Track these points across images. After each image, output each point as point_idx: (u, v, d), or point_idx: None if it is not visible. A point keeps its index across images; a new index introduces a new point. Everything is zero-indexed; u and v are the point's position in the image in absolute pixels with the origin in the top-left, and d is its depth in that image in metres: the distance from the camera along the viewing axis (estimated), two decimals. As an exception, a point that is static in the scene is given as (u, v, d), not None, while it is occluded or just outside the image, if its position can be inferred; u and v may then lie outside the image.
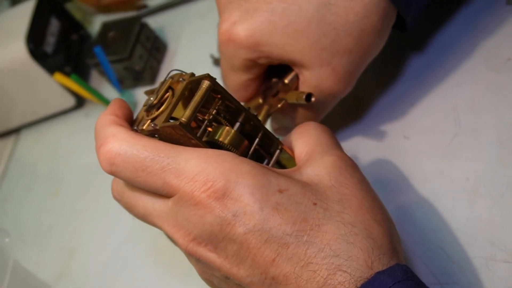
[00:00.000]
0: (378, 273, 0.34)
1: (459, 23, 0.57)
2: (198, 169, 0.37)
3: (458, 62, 0.55)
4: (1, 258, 0.46)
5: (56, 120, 0.95)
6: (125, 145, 0.40)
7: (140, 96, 0.84)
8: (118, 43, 0.79)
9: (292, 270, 0.35)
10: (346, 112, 0.59)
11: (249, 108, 0.43)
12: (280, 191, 0.37)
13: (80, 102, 0.91)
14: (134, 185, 0.42)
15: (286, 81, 0.50)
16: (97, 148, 0.42)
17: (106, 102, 0.82)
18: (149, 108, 0.43)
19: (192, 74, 0.42)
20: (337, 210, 0.37)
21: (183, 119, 0.39)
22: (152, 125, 0.41)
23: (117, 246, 0.68)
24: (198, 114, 0.43)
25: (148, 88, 0.82)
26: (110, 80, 0.81)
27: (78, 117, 0.92)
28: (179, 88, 0.42)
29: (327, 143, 0.42)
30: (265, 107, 0.52)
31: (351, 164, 0.41)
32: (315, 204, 0.37)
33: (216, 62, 0.76)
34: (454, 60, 0.55)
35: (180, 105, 0.42)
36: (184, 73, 0.42)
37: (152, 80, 0.83)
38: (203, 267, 0.40)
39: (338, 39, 0.47)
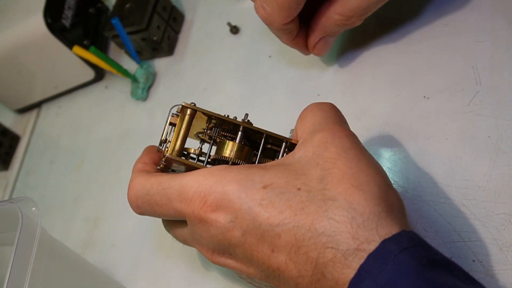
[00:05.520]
0: (384, 241, 0.33)
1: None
2: (193, 190, 0.41)
3: (477, 19, 0.54)
4: (29, 227, 0.47)
5: (76, 93, 0.96)
6: (139, 187, 0.46)
7: (159, 66, 0.84)
8: (135, 14, 0.79)
9: (289, 257, 0.37)
10: (364, 72, 0.59)
11: (247, 115, 0.48)
12: (264, 187, 0.38)
13: (99, 75, 0.92)
14: (163, 218, 0.49)
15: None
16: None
17: (125, 73, 0.82)
18: (160, 144, 0.49)
19: (182, 106, 0.47)
20: (319, 188, 0.37)
21: (171, 152, 0.46)
22: (162, 160, 0.47)
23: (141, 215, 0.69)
24: (201, 135, 0.50)
25: (167, 58, 0.83)
26: (128, 51, 0.81)
27: (98, 89, 0.93)
28: (177, 122, 0.47)
29: (321, 121, 0.42)
30: None
31: (340, 135, 0.40)
32: (299, 189, 0.38)
33: (233, 30, 0.76)
34: (474, 17, 0.54)
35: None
36: (180, 106, 0.47)
37: (171, 50, 0.83)
38: (235, 273, 0.44)
39: None
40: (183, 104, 0.46)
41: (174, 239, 0.50)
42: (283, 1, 0.51)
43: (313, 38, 0.57)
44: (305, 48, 0.59)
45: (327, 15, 0.54)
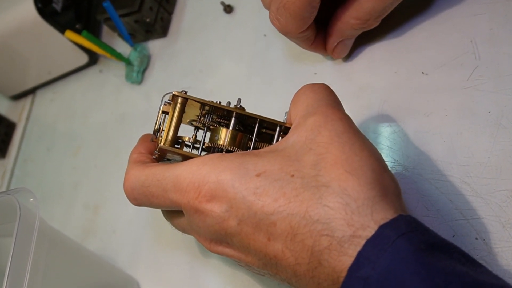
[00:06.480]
0: (381, 227, 0.33)
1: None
2: (187, 181, 0.41)
3: (475, -8, 0.53)
4: (27, 218, 0.46)
5: (71, 78, 0.95)
6: (134, 179, 0.46)
7: (153, 49, 0.83)
8: (127, -4, 0.78)
9: (285, 245, 0.36)
10: (361, 49, 0.59)
11: (239, 100, 0.47)
12: (258, 175, 0.38)
13: (93, 59, 0.91)
14: (160, 209, 0.48)
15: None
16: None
17: (119, 56, 0.81)
18: (154, 133, 0.49)
19: (173, 95, 0.46)
20: (312, 174, 0.36)
21: (164, 142, 0.46)
22: (156, 151, 0.47)
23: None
24: (194, 123, 0.49)
25: (160, 40, 0.82)
26: (121, 34, 0.80)
27: (92, 73, 0.92)
28: (169, 111, 0.47)
29: (313, 104, 0.42)
30: None
31: (333, 118, 0.39)
32: (292, 175, 0.37)
33: (227, 9, 0.75)
34: (471, -9, 0.53)
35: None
36: (172, 94, 0.47)
37: (164, 32, 0.82)
38: (234, 260, 0.43)
39: None
40: (174, 92, 0.46)
41: (174, 228, 0.49)
42: (295, 11, 0.50)
43: (331, 42, 0.57)
44: (325, 51, 0.59)
45: (343, 20, 0.53)
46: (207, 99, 0.46)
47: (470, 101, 0.48)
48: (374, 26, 0.54)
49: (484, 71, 0.49)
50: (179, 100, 0.46)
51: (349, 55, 0.59)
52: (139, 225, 0.67)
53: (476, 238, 0.43)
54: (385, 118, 0.52)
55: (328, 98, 0.43)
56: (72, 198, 0.79)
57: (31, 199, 0.49)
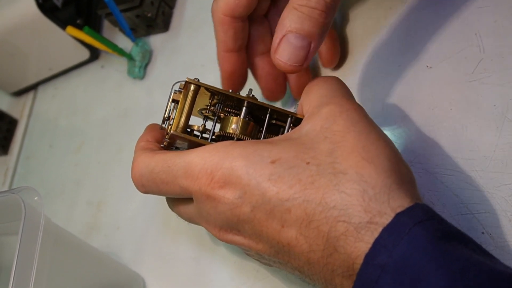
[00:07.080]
0: (398, 214, 0.33)
1: None
2: (199, 167, 0.41)
3: (479, -16, 0.53)
4: (32, 217, 0.46)
5: (72, 73, 0.94)
6: (143, 166, 0.46)
7: (155, 43, 0.83)
8: (128, -9, 0.78)
9: (299, 232, 0.36)
10: (364, 43, 0.58)
11: (251, 90, 0.48)
12: (273, 162, 0.38)
13: (95, 54, 0.90)
14: (168, 196, 0.49)
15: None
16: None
17: (120, 51, 0.81)
18: (163, 122, 0.49)
19: (186, 82, 0.46)
20: (328, 162, 0.37)
21: (175, 128, 0.46)
22: (166, 138, 0.47)
23: (145, 196, 0.68)
24: (204, 112, 0.49)
25: (162, 34, 0.81)
26: (123, 29, 0.80)
27: (94, 69, 0.91)
28: (180, 99, 0.47)
29: (327, 94, 0.42)
30: None
31: (347, 108, 0.40)
32: (308, 163, 0.37)
33: (229, 3, 0.75)
34: (475, -17, 0.53)
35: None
36: (182, 82, 0.47)
37: (166, 26, 0.82)
38: (242, 249, 0.44)
39: None
40: (187, 79, 0.46)
41: (179, 217, 0.49)
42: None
43: (274, 38, 0.44)
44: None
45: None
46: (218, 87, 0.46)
47: (475, 95, 0.48)
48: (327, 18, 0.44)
49: (488, 64, 0.48)
50: (192, 87, 0.46)
51: (351, 49, 0.59)
52: (143, 220, 0.67)
53: (483, 233, 0.42)
54: (389, 112, 0.52)
55: (342, 89, 0.43)
56: (75, 195, 0.78)
57: (36, 198, 0.49)
